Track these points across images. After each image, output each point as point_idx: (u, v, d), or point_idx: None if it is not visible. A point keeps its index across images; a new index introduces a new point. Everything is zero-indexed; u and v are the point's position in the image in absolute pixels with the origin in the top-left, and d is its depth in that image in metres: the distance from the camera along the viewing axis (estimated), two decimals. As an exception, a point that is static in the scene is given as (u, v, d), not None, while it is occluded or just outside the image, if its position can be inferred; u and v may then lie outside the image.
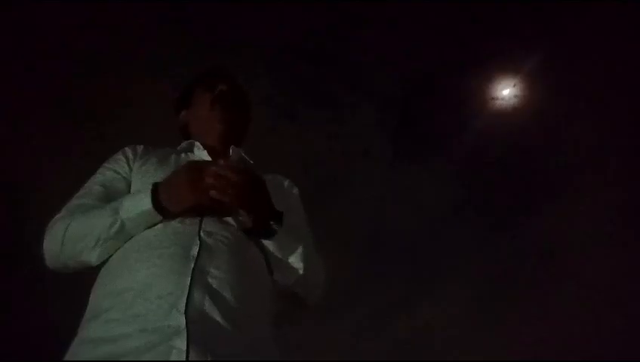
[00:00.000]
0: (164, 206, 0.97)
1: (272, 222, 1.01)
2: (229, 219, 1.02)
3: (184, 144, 1.25)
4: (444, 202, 4.04)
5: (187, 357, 0.76)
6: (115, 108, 3.35)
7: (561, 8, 3.58)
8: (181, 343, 0.77)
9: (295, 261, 1.04)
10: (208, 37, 3.37)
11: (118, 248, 0.99)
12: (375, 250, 3.88)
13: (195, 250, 0.92)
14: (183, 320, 0.80)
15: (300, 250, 1.04)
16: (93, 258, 1.00)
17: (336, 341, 3.76)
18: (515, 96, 3.90)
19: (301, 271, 1.04)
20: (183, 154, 1.22)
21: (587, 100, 3.84)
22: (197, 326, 0.80)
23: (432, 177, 4.00)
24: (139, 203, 0.98)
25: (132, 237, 0.98)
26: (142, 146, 1.22)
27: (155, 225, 0.98)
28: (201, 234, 0.96)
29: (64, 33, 3.19)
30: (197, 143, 1.23)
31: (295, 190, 1.30)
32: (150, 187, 0.99)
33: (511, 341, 3.70)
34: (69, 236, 1.01)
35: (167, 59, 3.30)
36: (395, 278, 3.91)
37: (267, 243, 1.01)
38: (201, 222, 0.98)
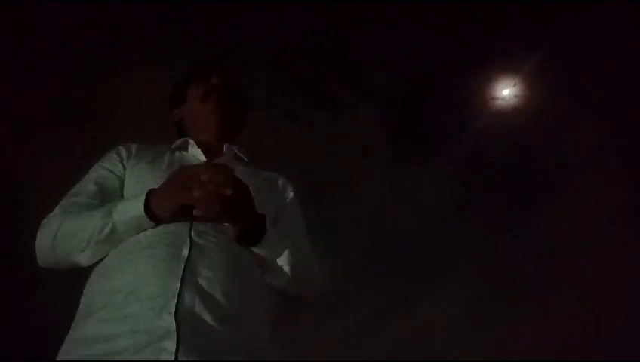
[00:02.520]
0: (154, 212, 0.96)
1: (254, 230, 1.00)
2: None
3: (178, 142, 1.24)
4: (444, 202, 4.04)
5: (176, 358, 0.76)
6: (115, 108, 3.35)
7: (561, 8, 3.58)
8: (170, 344, 0.77)
9: (283, 263, 1.03)
10: (208, 37, 3.37)
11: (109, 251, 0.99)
12: (375, 249, 3.88)
13: (185, 251, 0.92)
14: (172, 322, 0.80)
15: (287, 252, 1.03)
16: (83, 259, 1.00)
17: (337, 341, 3.76)
18: (515, 96, 3.91)
19: (289, 274, 1.03)
20: (177, 153, 1.21)
21: (587, 100, 3.84)
22: (187, 328, 0.80)
23: (432, 177, 4.00)
24: (132, 208, 0.98)
25: (122, 240, 0.98)
26: (135, 145, 1.22)
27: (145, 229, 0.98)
28: (192, 234, 0.95)
29: (64, 33, 3.19)
30: (191, 141, 1.22)
31: (290, 189, 1.28)
32: (145, 191, 0.99)
33: (511, 341, 3.70)
34: (61, 235, 1.01)
35: (167, 59, 3.30)
36: (395, 278, 3.91)
37: (254, 249, 1.01)
38: (192, 222, 0.98)
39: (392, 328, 3.88)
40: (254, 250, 1.01)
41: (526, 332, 3.76)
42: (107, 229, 0.97)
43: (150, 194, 0.98)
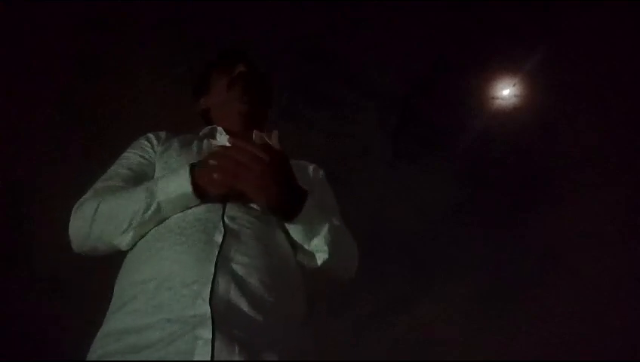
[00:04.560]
0: (203, 188, 0.94)
1: (292, 202, 0.96)
2: (253, 204, 0.98)
3: (206, 129, 1.23)
4: (444, 202, 4.04)
5: (213, 346, 0.74)
6: (115, 108, 3.35)
7: (560, 8, 3.58)
8: (206, 332, 0.75)
9: (320, 243, 0.98)
10: (208, 37, 3.37)
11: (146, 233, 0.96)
12: (375, 249, 3.88)
13: (219, 237, 0.89)
14: (208, 309, 0.78)
15: (324, 231, 0.99)
16: (124, 241, 0.97)
17: (336, 340, 3.76)
18: (515, 95, 3.91)
19: (326, 255, 0.99)
20: (205, 140, 1.19)
21: (587, 100, 3.84)
22: (222, 315, 0.78)
23: (432, 177, 4.00)
24: (177, 186, 0.95)
25: (165, 219, 0.95)
26: (164, 132, 1.21)
27: (189, 208, 0.95)
28: (225, 219, 0.93)
29: (64, 33, 3.19)
30: (219, 128, 1.21)
31: (321, 173, 1.27)
32: (187, 168, 0.96)
33: (511, 341, 3.70)
34: (100, 216, 0.98)
35: (167, 59, 3.30)
36: (395, 278, 3.91)
37: (288, 226, 0.97)
38: (224, 207, 0.95)
39: (392, 328, 3.88)
40: (290, 225, 0.97)
41: (526, 332, 3.76)
42: (152, 209, 0.94)
43: (193, 172, 0.95)
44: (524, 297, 3.87)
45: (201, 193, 0.95)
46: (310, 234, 0.98)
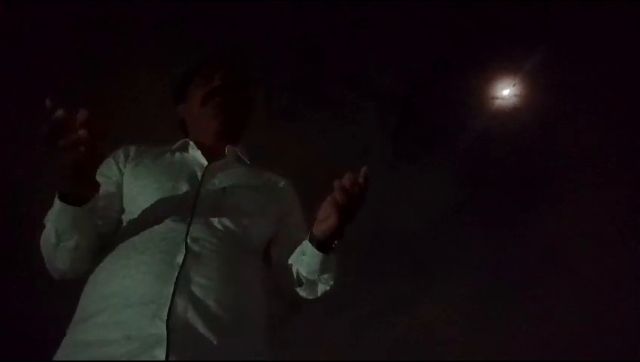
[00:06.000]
0: (63, 193, 0.93)
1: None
2: (218, 225, 1.00)
3: (179, 143, 1.23)
4: (444, 202, 4.03)
5: None
6: (115, 108, 3.34)
7: (561, 8, 3.58)
8: (161, 353, 0.77)
9: (329, 277, 1.02)
10: (208, 37, 3.36)
11: (84, 249, 0.97)
12: (375, 249, 3.87)
13: (180, 258, 0.90)
14: (164, 329, 0.79)
15: (334, 267, 1.01)
16: (59, 265, 0.99)
17: (336, 340, 3.76)
18: (515, 95, 3.90)
19: (327, 288, 1.03)
20: (177, 153, 1.20)
21: (587, 100, 3.84)
22: (178, 335, 0.80)
23: (432, 177, 4.00)
24: (55, 203, 0.95)
25: (75, 239, 0.96)
26: (134, 147, 1.20)
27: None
28: (188, 240, 0.94)
29: (64, 33, 3.18)
30: (191, 143, 1.21)
31: (291, 191, 1.27)
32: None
33: (511, 341, 3.70)
34: (42, 251, 1.02)
35: (167, 59, 3.30)
36: (395, 278, 3.90)
37: (314, 255, 0.98)
38: (188, 227, 0.96)
39: (392, 328, 3.88)
40: (311, 257, 0.98)
41: (526, 332, 3.76)
42: (53, 233, 0.95)
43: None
44: (524, 297, 3.87)
45: (70, 200, 0.92)
46: (324, 268, 1.00)
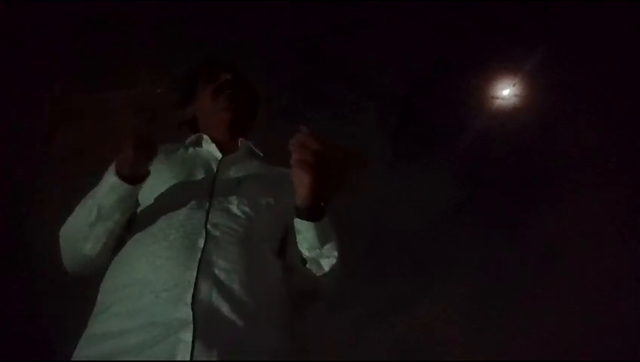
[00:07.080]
0: (124, 173, 0.95)
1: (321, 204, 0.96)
2: (237, 211, 1.00)
3: (192, 138, 1.24)
4: (444, 202, 4.03)
5: (192, 350, 0.75)
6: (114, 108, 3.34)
7: (561, 8, 3.58)
8: (187, 336, 0.76)
9: (331, 248, 1.00)
10: (208, 37, 3.36)
11: (114, 236, 0.98)
12: (375, 249, 3.87)
13: (201, 242, 0.91)
14: (189, 313, 0.79)
15: (334, 237, 1.01)
16: (88, 248, 0.99)
17: (336, 340, 3.76)
18: (515, 95, 3.90)
19: (334, 260, 1.00)
20: (190, 148, 1.21)
21: (587, 100, 3.84)
22: (204, 319, 0.79)
23: (432, 177, 4.00)
24: (106, 179, 0.97)
25: (115, 219, 0.97)
26: None
27: (133, 200, 0.98)
28: (208, 226, 0.94)
29: (64, 33, 3.18)
30: (205, 137, 1.22)
31: None
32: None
33: (511, 341, 3.70)
34: (64, 237, 1.02)
35: (167, 59, 3.30)
36: (394, 278, 3.90)
37: (308, 228, 0.96)
38: (207, 213, 0.97)
39: (392, 328, 3.88)
40: (307, 228, 0.96)
41: (526, 332, 3.76)
42: (95, 210, 0.96)
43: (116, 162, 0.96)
44: (524, 297, 3.86)
45: (126, 176, 0.95)
46: (323, 239, 0.99)
